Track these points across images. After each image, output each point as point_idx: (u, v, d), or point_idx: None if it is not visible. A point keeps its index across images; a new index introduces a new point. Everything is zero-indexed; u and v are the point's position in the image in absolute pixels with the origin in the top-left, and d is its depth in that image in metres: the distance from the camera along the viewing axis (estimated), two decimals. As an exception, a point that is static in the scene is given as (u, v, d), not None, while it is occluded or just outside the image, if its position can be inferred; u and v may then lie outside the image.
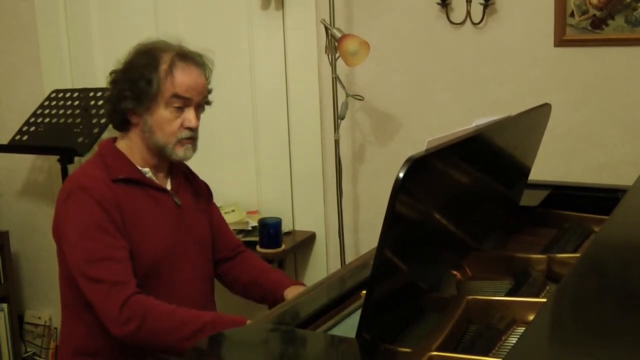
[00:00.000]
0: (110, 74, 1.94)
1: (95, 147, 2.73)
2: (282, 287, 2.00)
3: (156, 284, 1.88)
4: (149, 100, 1.86)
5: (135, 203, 1.87)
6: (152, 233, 1.88)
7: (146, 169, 1.93)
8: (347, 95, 2.73)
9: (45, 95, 3.25)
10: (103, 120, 2.97)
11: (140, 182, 1.91)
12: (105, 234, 1.79)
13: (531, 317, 1.39)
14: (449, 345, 1.31)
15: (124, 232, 1.82)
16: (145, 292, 1.81)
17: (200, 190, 2.09)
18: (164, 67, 1.86)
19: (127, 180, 1.88)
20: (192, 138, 1.92)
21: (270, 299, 2.02)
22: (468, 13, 2.65)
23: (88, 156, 2.93)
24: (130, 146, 1.93)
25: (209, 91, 1.97)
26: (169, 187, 1.98)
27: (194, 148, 1.94)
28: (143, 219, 1.88)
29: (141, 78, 1.86)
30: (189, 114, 1.89)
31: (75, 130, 2.99)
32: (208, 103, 1.98)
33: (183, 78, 1.87)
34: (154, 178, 1.95)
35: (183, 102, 1.88)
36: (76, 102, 3.12)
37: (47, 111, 3.16)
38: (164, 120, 1.88)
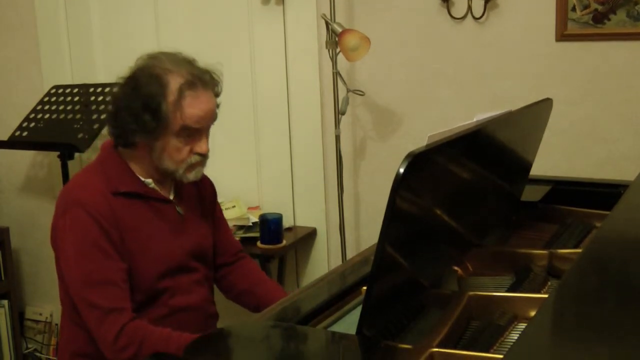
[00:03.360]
0: (112, 89, 1.84)
1: (97, 144, 2.74)
2: (279, 299, 1.96)
3: (156, 293, 1.85)
4: (156, 132, 1.78)
5: (135, 216, 1.82)
6: (153, 247, 1.84)
7: (149, 180, 1.87)
8: (348, 91, 2.72)
9: (45, 91, 3.24)
10: (103, 116, 2.97)
11: (142, 195, 1.85)
12: (102, 255, 1.75)
13: (532, 313, 1.38)
14: (450, 341, 1.31)
15: (122, 250, 1.78)
16: (144, 305, 1.80)
17: (205, 193, 2.04)
18: (171, 98, 1.75)
19: (128, 194, 1.83)
20: (202, 161, 1.86)
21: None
22: (469, 8, 2.64)
23: (89, 154, 2.93)
24: (135, 156, 1.86)
25: (217, 106, 1.87)
26: (172, 196, 1.93)
27: (204, 167, 1.88)
28: (143, 233, 1.83)
29: (146, 110, 1.75)
30: (200, 141, 1.82)
31: (75, 126, 2.99)
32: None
33: (193, 110, 1.77)
34: (157, 188, 1.89)
35: (194, 131, 1.81)
36: (76, 98, 3.11)
37: (47, 107, 3.15)
38: (173, 149, 1.80)
